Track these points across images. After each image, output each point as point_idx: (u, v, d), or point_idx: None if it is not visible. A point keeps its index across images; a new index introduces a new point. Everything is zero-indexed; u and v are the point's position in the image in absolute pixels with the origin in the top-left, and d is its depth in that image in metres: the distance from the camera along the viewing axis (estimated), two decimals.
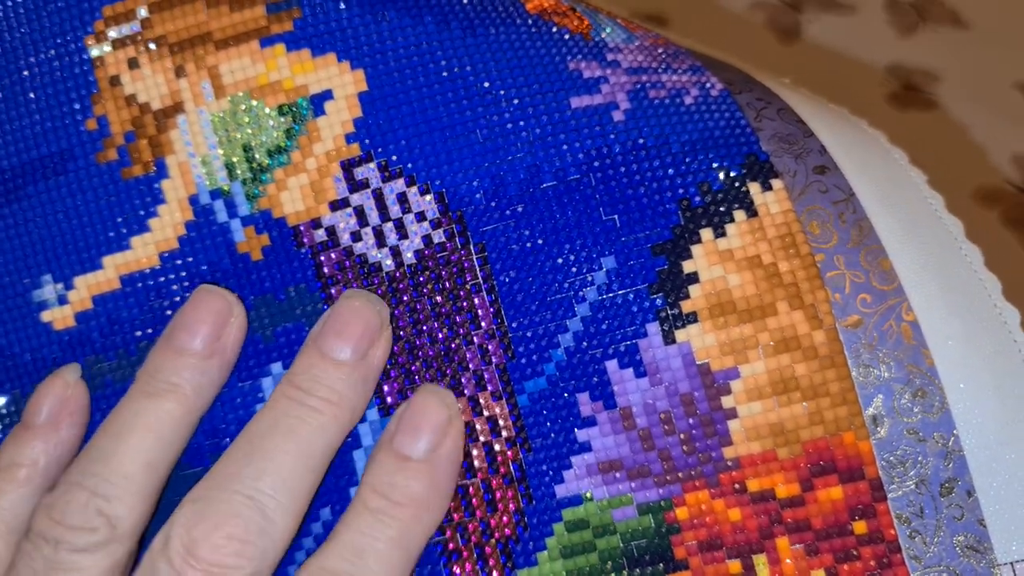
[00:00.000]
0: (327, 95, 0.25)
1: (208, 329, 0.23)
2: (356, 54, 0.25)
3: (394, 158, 0.24)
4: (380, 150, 0.24)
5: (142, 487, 0.22)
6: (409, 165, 0.24)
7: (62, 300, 0.26)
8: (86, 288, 0.25)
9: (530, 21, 0.25)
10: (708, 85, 0.24)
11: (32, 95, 0.25)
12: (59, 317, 0.26)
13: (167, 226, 0.25)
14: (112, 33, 0.25)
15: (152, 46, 0.25)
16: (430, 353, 0.24)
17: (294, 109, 0.25)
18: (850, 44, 0.61)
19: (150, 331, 0.25)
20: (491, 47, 0.24)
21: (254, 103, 0.25)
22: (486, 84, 0.24)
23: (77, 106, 0.25)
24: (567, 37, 0.25)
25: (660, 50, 0.25)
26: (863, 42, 0.61)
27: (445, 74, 0.24)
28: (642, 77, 0.24)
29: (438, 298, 0.24)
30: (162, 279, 0.25)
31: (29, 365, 0.26)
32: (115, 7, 0.25)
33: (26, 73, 0.25)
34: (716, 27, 0.62)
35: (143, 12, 0.25)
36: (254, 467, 0.22)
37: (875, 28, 0.62)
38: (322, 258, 0.25)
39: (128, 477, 0.22)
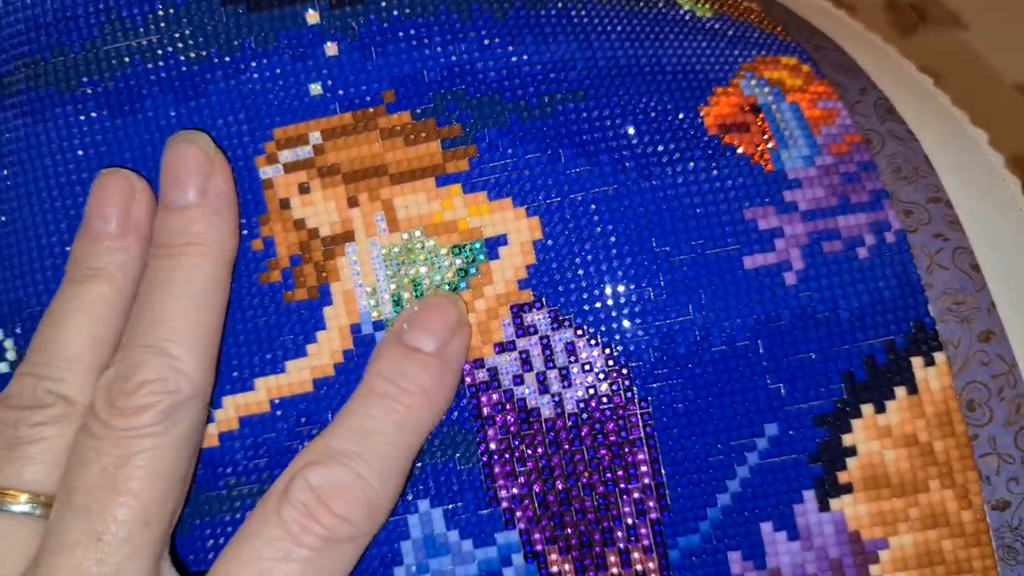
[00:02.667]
0: (502, 240, 0.25)
1: (117, 209, 0.24)
2: (532, 200, 0.25)
3: (565, 308, 0.25)
4: (552, 298, 0.25)
5: (89, 365, 0.24)
6: (580, 316, 0.25)
7: (209, 418, 0.25)
8: (234, 408, 0.25)
9: (710, 151, 0.25)
10: (885, 225, 0.25)
11: None
12: (205, 436, 0.25)
13: (325, 353, 0.25)
14: (284, 156, 0.25)
15: (324, 173, 0.25)
16: (586, 504, 0.24)
17: (468, 251, 0.25)
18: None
19: (287, 451, 0.25)
20: (667, 194, 0.25)
21: (429, 242, 0.25)
22: (666, 248, 0.24)
23: (245, 226, 0.25)
24: (746, 166, 0.25)
25: (842, 162, 0.25)
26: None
27: (620, 224, 0.25)
28: (818, 224, 0.25)
29: (601, 450, 0.24)
30: (313, 406, 0.25)
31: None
32: (287, 129, 0.25)
33: None
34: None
35: (316, 137, 0.25)
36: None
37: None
38: (482, 398, 0.25)
39: (72, 359, 0.24)
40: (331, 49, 0.25)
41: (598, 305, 0.25)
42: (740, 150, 0.25)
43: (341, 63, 0.25)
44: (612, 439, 0.24)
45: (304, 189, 0.25)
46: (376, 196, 0.25)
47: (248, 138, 0.25)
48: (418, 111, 0.25)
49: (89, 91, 0.25)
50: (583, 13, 0.26)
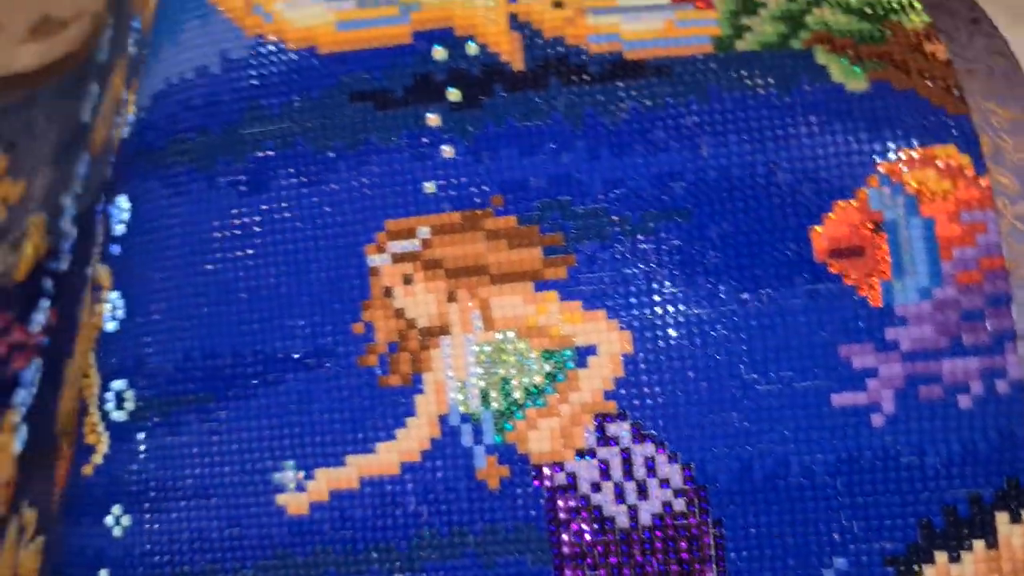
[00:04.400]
0: (592, 350, 0.26)
1: None
2: (625, 314, 0.25)
3: (648, 423, 0.25)
4: (636, 412, 0.25)
5: None
6: (662, 432, 0.25)
7: (300, 488, 0.27)
8: (325, 481, 0.27)
9: (814, 280, 0.25)
10: (999, 372, 0.24)
11: (308, 290, 0.27)
12: (294, 503, 0.27)
13: (413, 439, 0.26)
14: (392, 247, 0.26)
15: (428, 267, 0.26)
16: None
17: (558, 357, 0.26)
18: None
19: (379, 535, 0.26)
20: (761, 322, 0.25)
21: (521, 345, 0.26)
22: (754, 376, 0.25)
23: (348, 309, 0.26)
24: (851, 298, 0.25)
25: (967, 296, 0.24)
26: None
27: (710, 348, 0.25)
28: (918, 366, 0.25)
29: (671, 565, 0.25)
30: (399, 488, 0.26)
31: (254, 541, 0.27)
32: (398, 222, 0.26)
33: (305, 268, 0.27)
34: None
35: (425, 232, 0.26)
36: None
37: None
38: (559, 502, 0.25)
39: None
40: (447, 152, 0.26)
41: (681, 424, 0.25)
42: (848, 280, 0.25)
43: (456, 164, 0.26)
44: (684, 556, 0.25)
45: (408, 280, 0.26)
46: (475, 294, 0.26)
47: (361, 227, 0.26)
48: (524, 216, 0.26)
49: (224, 169, 0.27)
50: (704, 109, 0.26)
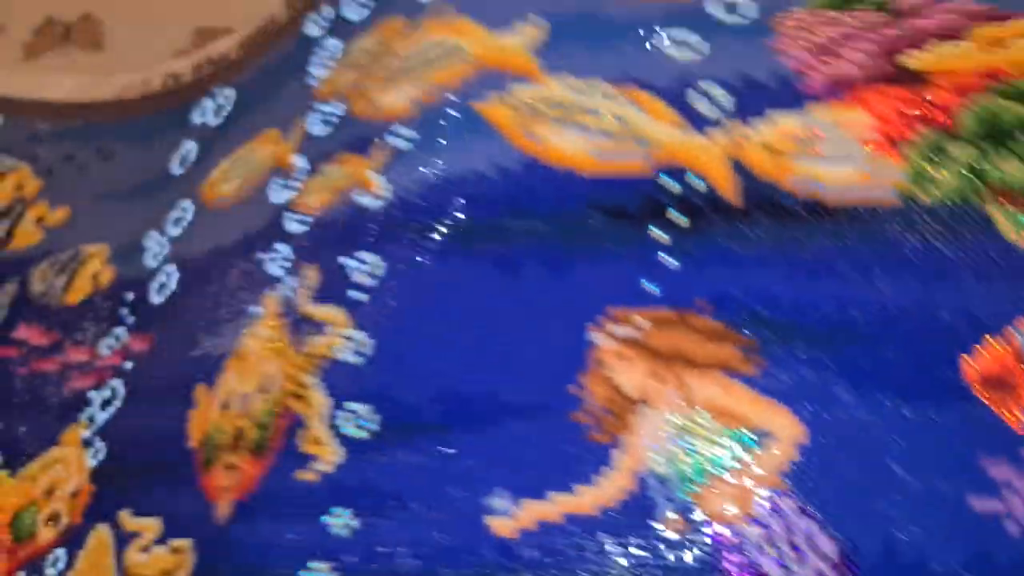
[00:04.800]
0: (772, 436, 0.31)
1: None
2: (805, 413, 0.31)
3: (812, 503, 0.30)
4: (802, 492, 0.30)
5: None
6: (823, 513, 0.30)
7: (507, 513, 0.32)
8: (532, 512, 0.32)
9: (963, 403, 0.30)
10: None
11: (536, 352, 0.33)
12: (500, 525, 0.32)
13: (609, 489, 0.31)
14: (612, 329, 0.33)
15: (641, 349, 0.32)
16: None
17: (743, 437, 0.31)
18: None
19: (575, 566, 0.31)
20: (915, 429, 0.30)
21: (711, 423, 0.31)
22: (901, 471, 0.30)
23: (567, 373, 0.32)
24: (995, 423, 0.30)
25: None
26: None
27: (869, 446, 0.30)
28: None
29: None
30: (598, 528, 0.31)
31: (462, 553, 0.32)
32: (620, 310, 0.33)
33: (535, 336, 0.33)
34: None
35: (641, 321, 0.32)
36: None
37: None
38: (726, 555, 0.30)
39: None
40: (671, 263, 0.32)
41: (839, 508, 0.30)
42: (994, 409, 0.30)
43: (675, 274, 0.32)
44: None
45: (621, 357, 0.32)
46: (678, 376, 0.32)
47: (589, 308, 0.33)
48: (727, 321, 0.32)
49: (482, 249, 0.34)
50: (884, 252, 0.32)
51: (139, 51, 0.61)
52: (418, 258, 0.35)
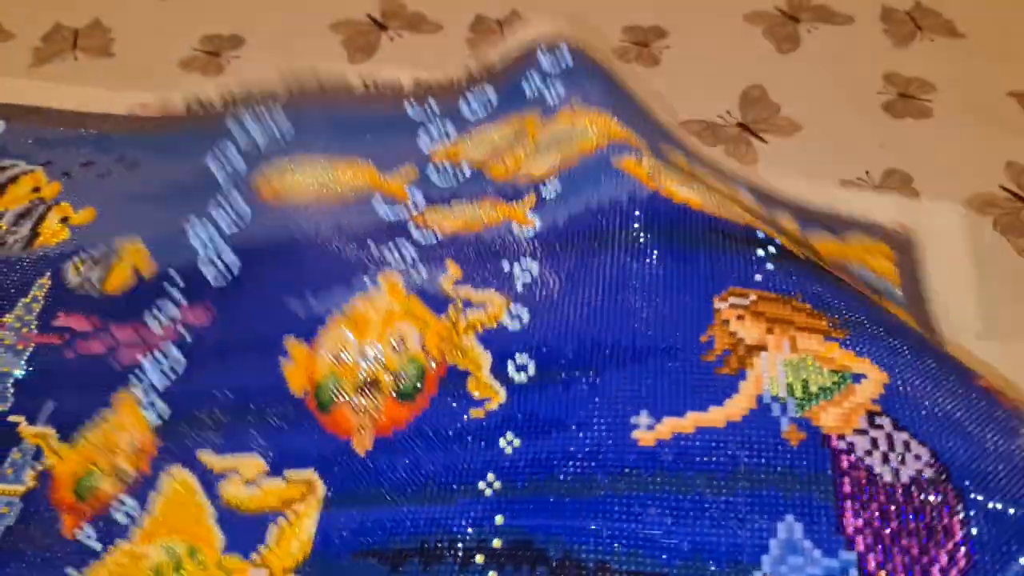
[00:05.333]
0: (862, 377, 0.38)
1: None
2: (883, 363, 0.39)
3: (903, 420, 0.37)
4: (893, 413, 0.37)
5: None
6: (912, 427, 0.37)
7: (650, 428, 0.38)
8: (669, 427, 0.38)
9: None
10: None
11: (674, 311, 0.41)
12: (644, 438, 0.38)
13: (735, 407, 0.38)
14: (732, 300, 0.41)
15: (754, 313, 0.41)
16: (911, 545, 0.34)
17: (842, 376, 0.38)
18: (847, 54, 0.61)
19: (705, 467, 0.37)
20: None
21: (817, 364, 0.39)
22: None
23: (698, 327, 0.40)
24: None
25: None
26: (860, 51, 0.61)
27: (937, 385, 0.38)
28: None
29: (926, 507, 0.34)
30: (722, 437, 0.37)
31: (611, 461, 0.37)
32: (738, 290, 0.41)
33: (675, 301, 0.41)
34: (715, 37, 0.63)
35: (752, 297, 0.41)
36: None
37: (871, 38, 0.62)
38: (841, 458, 0.36)
39: None
40: (770, 267, 0.42)
41: (927, 426, 0.37)
42: None
43: (776, 273, 0.42)
44: (932, 500, 0.34)
45: (740, 318, 0.40)
46: (786, 333, 0.40)
47: (716, 286, 0.41)
48: (816, 307, 0.40)
49: (621, 246, 0.43)
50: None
51: (147, 59, 0.63)
52: (564, 259, 0.44)
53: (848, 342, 0.40)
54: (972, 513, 0.35)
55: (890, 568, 0.34)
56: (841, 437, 0.37)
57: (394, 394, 0.43)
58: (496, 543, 0.38)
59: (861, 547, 0.35)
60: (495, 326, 0.43)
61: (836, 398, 0.38)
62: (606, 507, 0.37)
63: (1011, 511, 0.35)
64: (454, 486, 0.39)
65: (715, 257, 0.43)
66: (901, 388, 0.38)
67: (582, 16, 0.57)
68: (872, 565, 0.34)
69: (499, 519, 0.38)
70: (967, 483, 0.35)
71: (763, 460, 0.37)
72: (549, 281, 0.44)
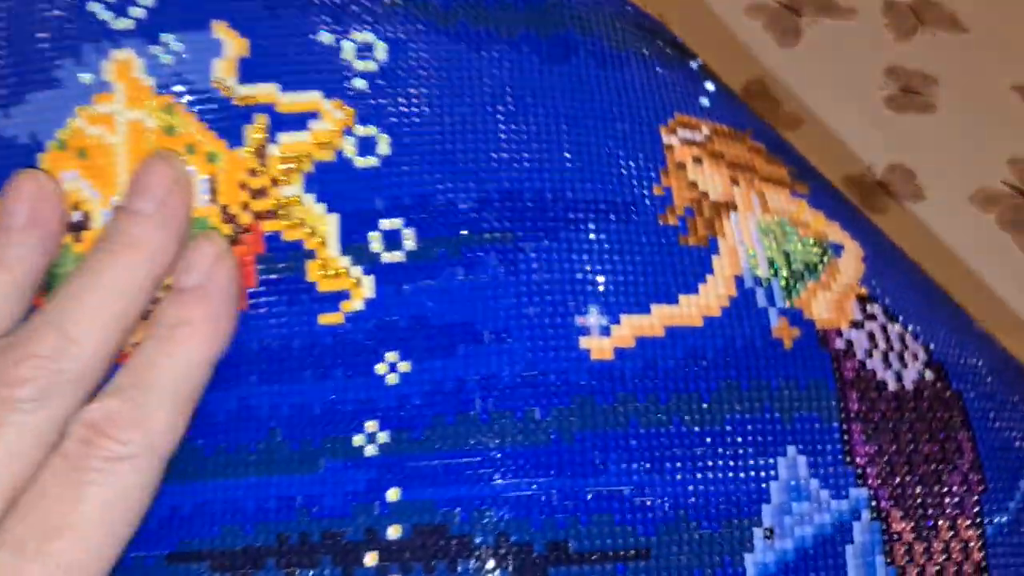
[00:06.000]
0: (840, 248, 0.29)
1: (24, 206, 0.25)
2: (853, 230, 0.30)
3: (892, 306, 0.29)
4: (881, 299, 0.29)
5: None
6: (902, 316, 0.29)
7: (604, 331, 0.25)
8: (630, 327, 0.26)
9: None
10: None
11: (611, 147, 0.27)
12: (597, 347, 0.25)
13: (711, 295, 0.27)
14: (682, 133, 0.29)
15: (712, 155, 0.29)
16: (924, 472, 0.27)
17: (823, 245, 0.29)
18: (849, 47, 0.60)
19: (682, 385, 0.26)
20: None
21: (794, 230, 0.29)
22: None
23: (649, 173, 0.27)
24: None
25: None
26: (862, 45, 0.60)
27: (902, 273, 0.30)
28: None
29: (934, 424, 0.27)
30: (700, 341, 0.26)
31: (553, 385, 0.25)
32: (685, 117, 0.29)
33: (608, 128, 0.28)
34: (715, 30, 0.62)
35: (705, 131, 0.29)
36: (61, 307, 0.24)
37: (874, 31, 0.61)
38: (844, 363, 0.27)
39: None
40: (710, 87, 0.30)
41: (915, 312, 0.29)
42: None
43: (718, 100, 0.30)
44: (940, 416, 0.28)
45: (697, 160, 0.28)
46: (752, 184, 0.29)
47: (658, 113, 0.28)
48: (769, 148, 0.30)
49: (526, 38, 0.28)
50: None
51: None
52: (428, 33, 0.27)
53: (814, 200, 0.30)
54: (975, 425, 0.29)
55: (906, 505, 0.27)
56: (839, 333, 0.28)
57: None
58: (392, 531, 0.24)
59: (874, 480, 0.27)
60: (332, 159, 0.27)
61: (823, 278, 0.29)
62: (553, 458, 0.25)
63: (1005, 418, 0.29)
64: (314, 442, 0.24)
65: (649, 65, 0.30)
66: (877, 265, 0.30)
67: None
68: (885, 502, 0.27)
69: (392, 493, 0.24)
70: (964, 387, 0.29)
71: (755, 371, 0.27)
72: (411, 77, 0.27)
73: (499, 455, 0.25)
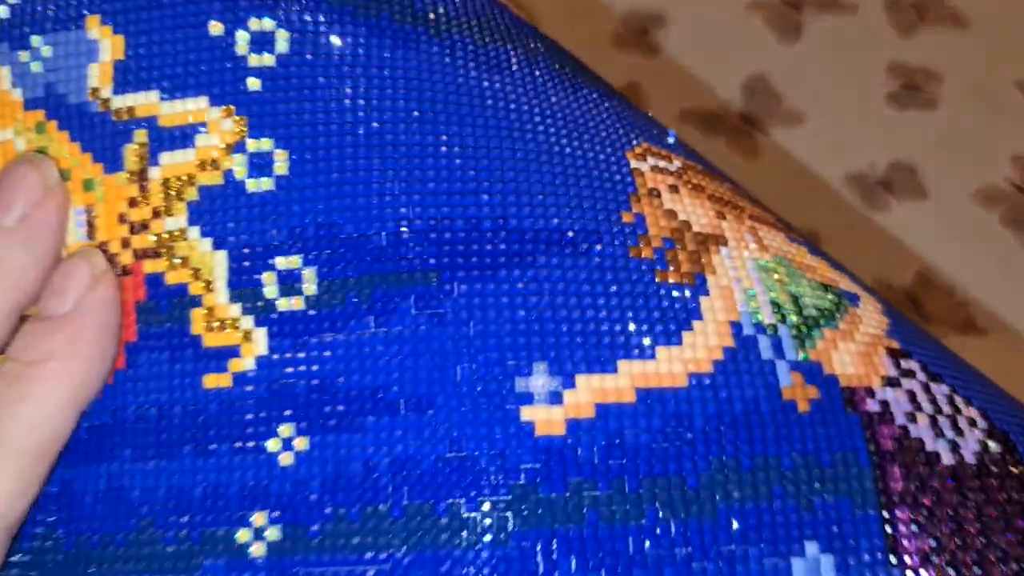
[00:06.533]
0: (856, 297, 0.23)
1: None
2: (859, 283, 0.24)
3: (932, 365, 0.23)
4: (917, 353, 0.23)
5: None
6: (946, 376, 0.23)
7: (554, 398, 0.20)
8: (588, 392, 0.20)
9: None
10: None
11: (565, 170, 0.22)
12: (544, 419, 0.19)
13: (700, 346, 0.21)
14: (651, 161, 0.23)
15: (691, 187, 0.23)
16: (994, 571, 0.20)
17: (836, 292, 0.23)
18: (850, 44, 0.58)
19: (661, 466, 0.19)
20: None
21: (801, 272, 0.23)
22: None
23: (616, 197, 0.22)
24: None
25: None
26: (863, 41, 0.58)
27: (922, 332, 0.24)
28: None
29: (1008, 509, 0.21)
30: (684, 407, 0.20)
31: (488, 470, 0.19)
32: (655, 148, 0.24)
33: (564, 149, 0.22)
34: (715, 27, 0.60)
35: (677, 163, 0.24)
36: None
37: (875, 28, 0.60)
38: (880, 429, 0.21)
39: None
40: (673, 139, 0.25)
41: (964, 375, 0.23)
42: None
43: (684, 147, 0.25)
44: (1017, 498, 0.21)
45: (674, 189, 0.23)
46: (742, 220, 0.23)
47: (621, 136, 0.23)
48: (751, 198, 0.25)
49: (462, 43, 0.23)
50: None
51: None
52: (342, 22, 0.22)
53: (813, 250, 0.25)
54: None
55: None
56: (869, 392, 0.22)
57: None
58: None
59: None
60: (220, 183, 0.22)
61: (842, 327, 0.23)
62: (495, 567, 0.19)
63: None
64: (192, 536, 0.19)
65: (606, 94, 0.25)
66: (900, 320, 0.24)
67: (580, 2, 0.54)
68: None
69: None
70: None
71: (760, 445, 0.20)
72: (317, 75, 0.22)
73: (414, 563, 0.19)
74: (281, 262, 0.21)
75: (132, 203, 0.22)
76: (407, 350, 0.20)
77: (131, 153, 0.22)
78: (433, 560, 0.19)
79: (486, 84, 0.23)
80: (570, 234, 0.21)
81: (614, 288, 0.21)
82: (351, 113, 0.22)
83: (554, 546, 0.19)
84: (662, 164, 0.24)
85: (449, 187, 0.21)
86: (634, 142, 0.24)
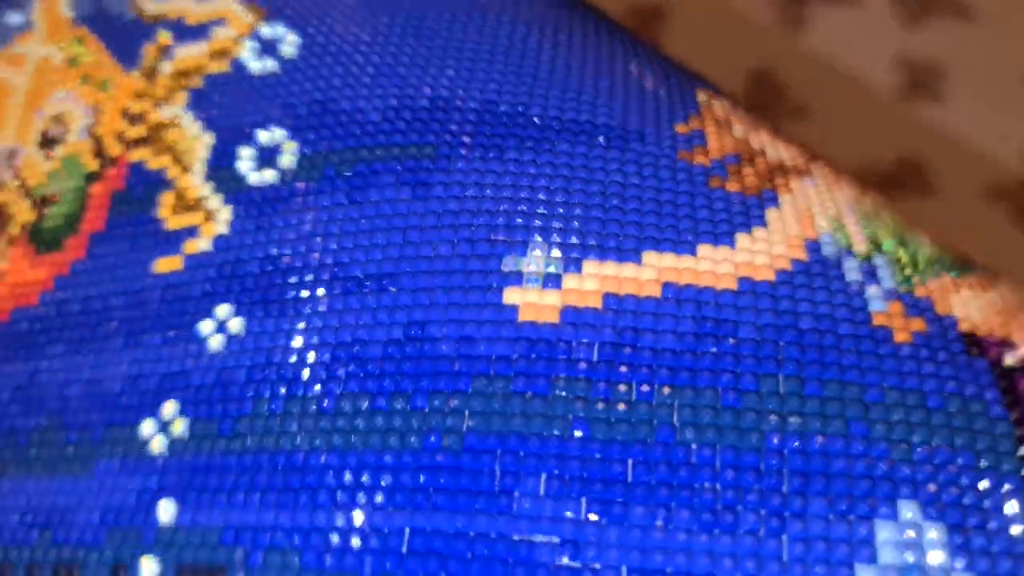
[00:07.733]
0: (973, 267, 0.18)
1: None
2: None
3: None
4: None
5: None
6: None
7: (551, 282, 0.15)
8: (599, 279, 0.15)
9: None
10: None
11: (614, 77, 0.19)
12: (532, 302, 0.15)
13: (761, 252, 0.16)
14: (718, 102, 0.20)
15: (768, 132, 0.19)
16: None
17: (939, 256, 0.18)
18: (855, 36, 0.58)
19: (685, 376, 0.14)
20: None
21: (904, 226, 0.18)
22: None
23: (675, 111, 0.19)
24: None
25: None
26: (868, 34, 0.58)
27: None
28: None
29: None
30: (731, 311, 0.15)
31: (447, 358, 0.14)
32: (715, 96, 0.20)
33: (613, 58, 0.19)
34: (717, 19, 0.60)
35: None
36: None
37: (880, 20, 0.59)
38: (1020, 381, 0.15)
39: None
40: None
41: None
42: None
43: None
44: None
45: (752, 128, 0.19)
46: (822, 167, 0.19)
47: (686, 79, 0.20)
48: None
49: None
50: None
51: None
52: None
53: None
54: None
55: None
56: (1006, 344, 0.16)
57: (29, 240, 0.20)
58: (146, 569, 0.14)
59: None
60: (227, 70, 0.20)
61: (971, 281, 0.17)
62: (429, 475, 0.14)
63: None
64: (94, 433, 0.16)
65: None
66: None
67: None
68: None
69: (164, 510, 0.14)
70: None
71: (834, 367, 0.14)
72: None
73: (340, 465, 0.14)
74: (263, 135, 0.18)
75: (138, 96, 0.21)
76: (379, 224, 0.16)
77: (149, 50, 0.21)
78: (361, 465, 0.14)
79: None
80: (603, 128, 0.18)
81: (652, 181, 0.17)
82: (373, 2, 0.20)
83: (521, 457, 0.14)
84: (733, 112, 0.20)
85: (477, 75, 0.19)
86: (700, 87, 0.20)
